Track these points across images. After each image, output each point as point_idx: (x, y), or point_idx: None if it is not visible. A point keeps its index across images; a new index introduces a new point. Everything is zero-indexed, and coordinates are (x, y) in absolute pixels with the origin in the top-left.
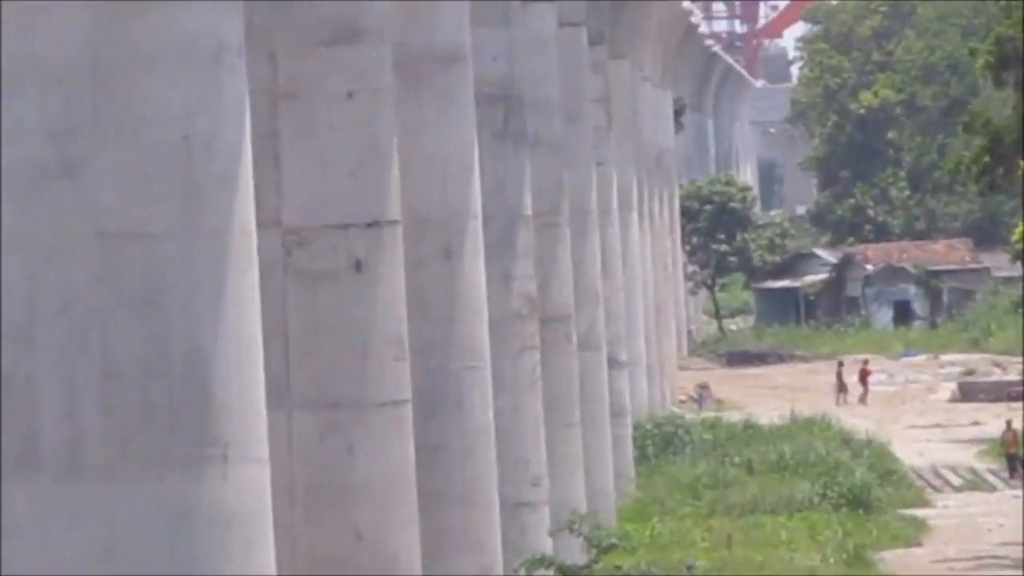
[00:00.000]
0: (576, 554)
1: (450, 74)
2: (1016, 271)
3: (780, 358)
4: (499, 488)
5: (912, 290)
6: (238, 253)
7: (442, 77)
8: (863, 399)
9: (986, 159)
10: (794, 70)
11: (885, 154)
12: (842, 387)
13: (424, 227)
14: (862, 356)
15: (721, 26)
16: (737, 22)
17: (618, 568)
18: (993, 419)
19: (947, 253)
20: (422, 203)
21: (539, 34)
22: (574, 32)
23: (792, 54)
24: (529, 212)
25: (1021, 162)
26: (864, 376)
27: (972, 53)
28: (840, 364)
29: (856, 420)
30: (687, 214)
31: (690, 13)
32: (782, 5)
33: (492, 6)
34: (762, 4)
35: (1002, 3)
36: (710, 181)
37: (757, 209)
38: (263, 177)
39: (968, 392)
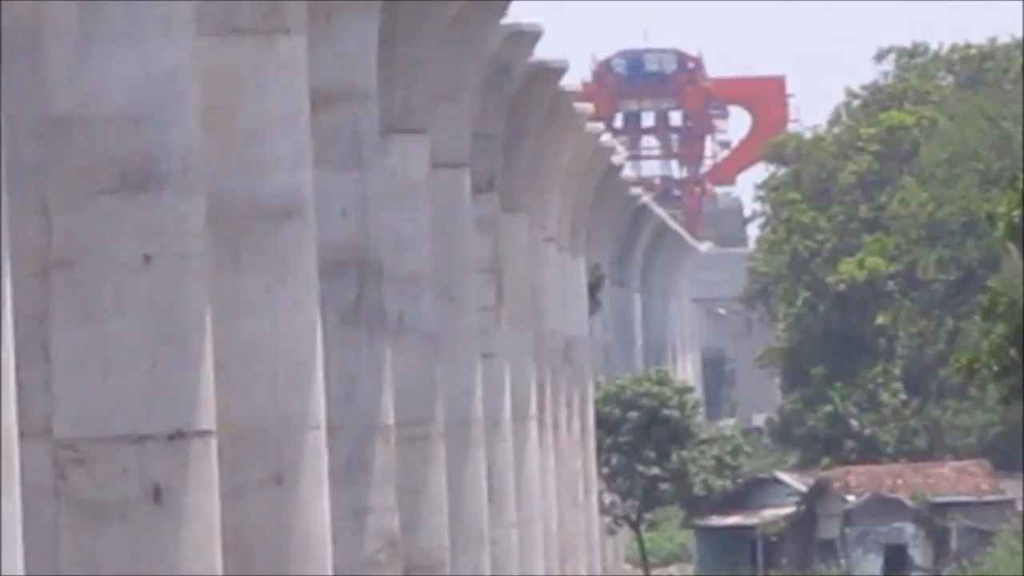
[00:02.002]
0: None
1: (283, 233)
2: None
3: None
4: None
5: (909, 530)
6: None
7: (272, 237)
8: None
9: (1011, 352)
10: (752, 229)
11: (874, 345)
12: None
13: (247, 441)
14: None
15: (653, 168)
16: (674, 163)
17: None
18: None
19: (957, 480)
20: (244, 409)
21: (404, 178)
22: (453, 176)
23: (749, 208)
24: (391, 421)
25: None
26: None
27: (990, 219)
28: None
29: None
30: (606, 424)
31: (611, 151)
32: (735, 140)
33: (341, 139)
34: (708, 138)
35: None
36: (637, 380)
37: (700, 418)
38: (28, 373)
39: None
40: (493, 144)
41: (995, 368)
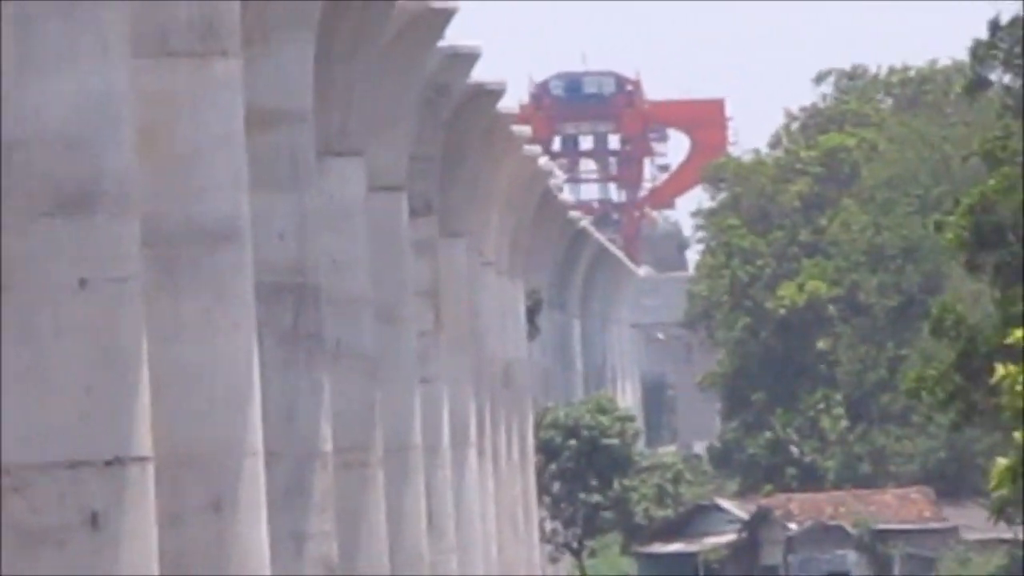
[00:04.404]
0: None
1: (220, 256)
2: (994, 532)
3: None
4: None
5: (852, 557)
6: None
7: (209, 261)
8: None
9: (956, 377)
10: (691, 254)
11: (814, 370)
12: None
13: (185, 467)
14: None
15: (591, 192)
16: (613, 187)
17: None
18: None
19: (900, 507)
20: (182, 434)
21: (342, 201)
22: (390, 199)
23: (688, 231)
24: (329, 448)
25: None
26: None
27: (939, 227)
28: None
29: None
30: (546, 451)
31: (549, 174)
32: (674, 163)
33: (278, 161)
34: (646, 162)
35: (988, 151)
36: (577, 407)
37: (641, 446)
38: None
39: None
40: (430, 167)
41: (941, 393)
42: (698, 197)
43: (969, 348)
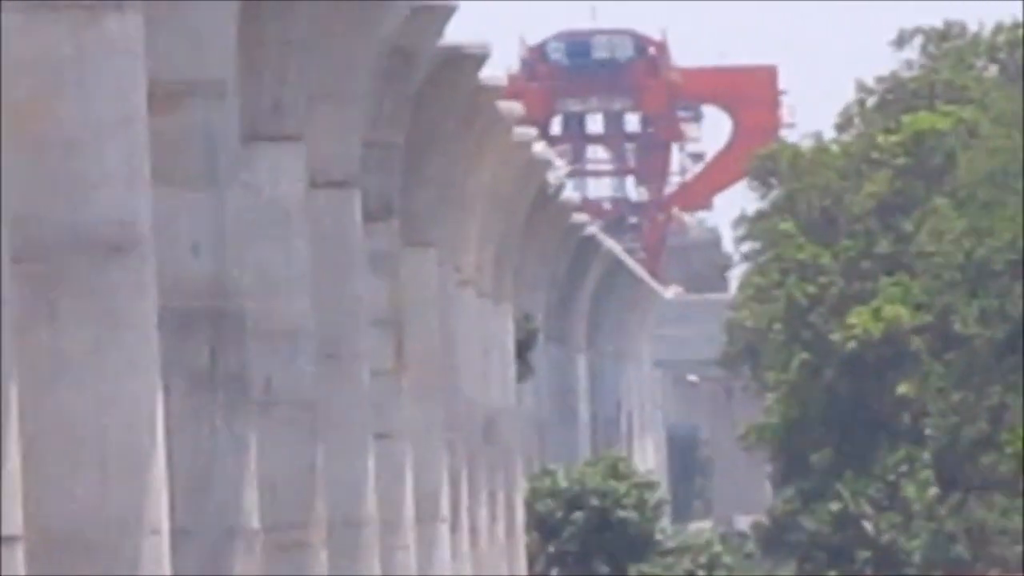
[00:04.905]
0: None
1: (113, 274)
2: None
3: None
4: None
5: None
6: None
7: (98, 279)
8: None
9: None
10: (733, 271)
11: (895, 423)
12: None
13: (66, 549)
14: None
15: (602, 189)
16: (630, 182)
17: None
18: None
19: None
20: (62, 507)
21: (274, 201)
22: (338, 198)
23: (729, 240)
24: (255, 524)
25: None
26: None
27: None
28: None
29: None
30: (542, 528)
31: (547, 166)
32: (711, 151)
33: (189, 149)
34: (675, 149)
35: None
36: (582, 469)
37: (666, 521)
38: None
39: None
40: (391, 156)
41: None
42: (742, 196)
43: None
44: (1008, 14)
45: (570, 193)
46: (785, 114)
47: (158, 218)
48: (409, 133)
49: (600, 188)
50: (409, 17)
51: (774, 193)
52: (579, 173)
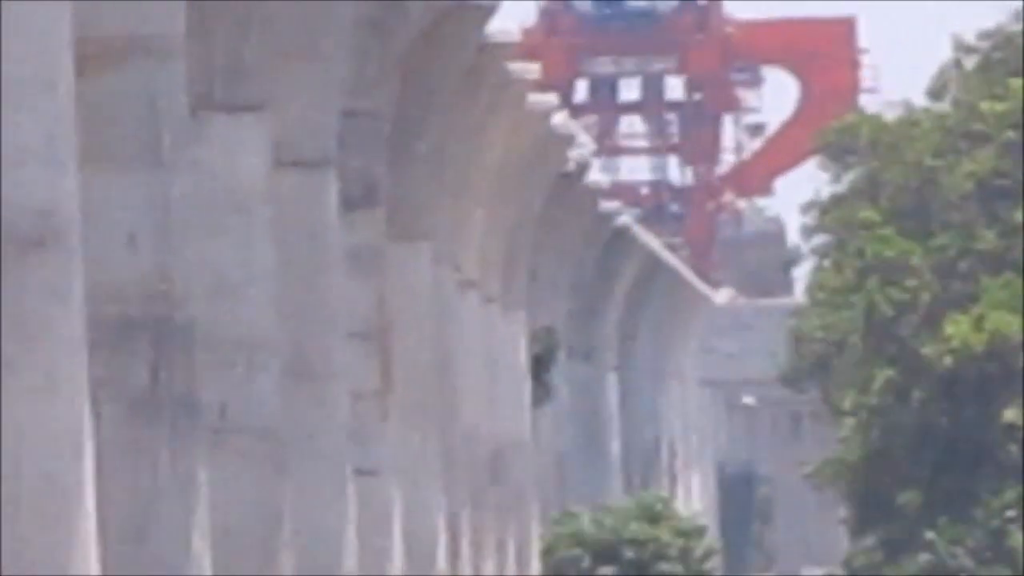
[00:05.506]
0: None
1: (32, 271)
2: None
3: None
4: None
5: None
6: None
7: (15, 278)
8: None
9: None
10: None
11: (999, 456)
12: None
13: None
14: None
15: (638, 170)
16: (673, 161)
17: None
18: None
19: None
20: None
21: (231, 184)
22: (310, 179)
23: (796, 233)
24: None
25: None
26: None
27: None
28: None
29: None
30: None
31: (570, 141)
32: (774, 123)
33: (126, 121)
34: (728, 120)
35: None
36: (614, 513)
37: (719, 574)
38: None
39: None
40: (375, 129)
41: None
42: (811, 178)
43: None
44: None
45: (598, 175)
46: (866, 77)
47: (87, 205)
48: (398, 101)
49: (635, 169)
50: None
51: (851, 175)
52: (609, 150)
